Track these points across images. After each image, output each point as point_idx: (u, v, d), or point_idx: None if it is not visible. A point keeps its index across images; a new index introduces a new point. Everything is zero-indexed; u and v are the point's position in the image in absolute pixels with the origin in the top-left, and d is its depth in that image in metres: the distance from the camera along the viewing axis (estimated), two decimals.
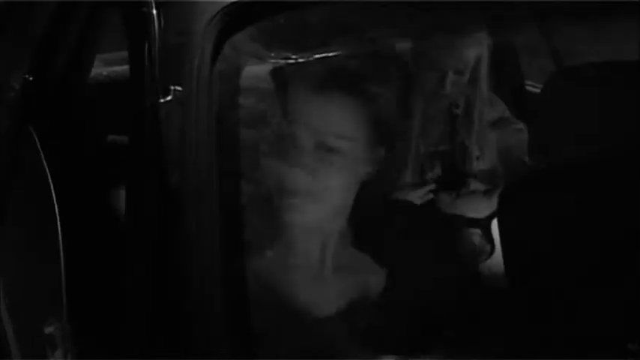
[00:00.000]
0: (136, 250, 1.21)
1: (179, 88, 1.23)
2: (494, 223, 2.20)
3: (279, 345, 1.32)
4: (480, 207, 2.26)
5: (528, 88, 2.89)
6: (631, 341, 1.47)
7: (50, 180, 1.58)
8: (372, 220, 1.55)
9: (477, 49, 2.29)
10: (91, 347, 1.49)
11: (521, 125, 2.44)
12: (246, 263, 1.20)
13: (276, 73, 1.30)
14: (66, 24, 1.77)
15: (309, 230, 1.42)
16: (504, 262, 1.67)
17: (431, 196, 2.29)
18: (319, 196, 1.40)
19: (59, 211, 1.50)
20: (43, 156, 1.66)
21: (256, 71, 1.31)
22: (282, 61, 1.30)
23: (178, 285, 1.15)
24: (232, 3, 1.29)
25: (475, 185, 2.32)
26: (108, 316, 1.23)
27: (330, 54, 1.30)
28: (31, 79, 1.83)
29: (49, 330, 1.60)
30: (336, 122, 1.38)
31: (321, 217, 1.43)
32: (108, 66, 2.51)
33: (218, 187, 1.17)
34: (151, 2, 1.31)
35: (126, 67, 1.40)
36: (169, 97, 1.22)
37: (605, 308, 1.57)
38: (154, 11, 1.30)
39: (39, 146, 1.70)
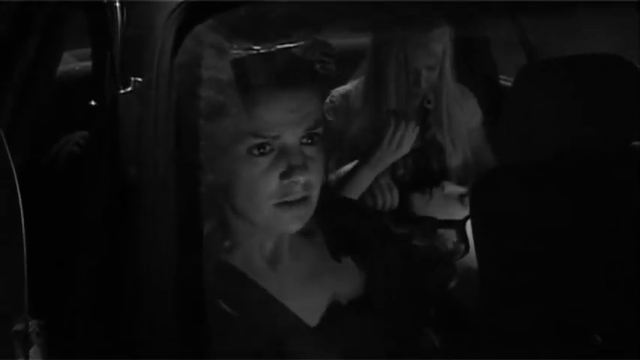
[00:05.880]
0: (92, 243, 1.20)
1: (139, 79, 1.23)
2: (469, 223, 2.20)
3: (235, 341, 1.32)
4: (454, 211, 2.27)
5: (502, 82, 2.89)
6: (597, 333, 1.48)
7: (16, 178, 1.56)
8: (344, 224, 1.54)
9: (442, 43, 2.30)
10: (56, 344, 1.48)
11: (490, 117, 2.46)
12: (204, 255, 1.20)
13: (237, 63, 1.29)
14: (30, 19, 1.76)
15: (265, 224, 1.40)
16: (478, 260, 1.68)
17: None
18: None
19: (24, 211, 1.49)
20: (9, 155, 1.64)
21: (216, 62, 1.30)
22: (243, 52, 1.29)
23: (134, 277, 1.14)
24: None
25: (450, 189, 2.33)
26: (65, 311, 1.22)
27: (292, 45, 1.30)
28: None
29: (18, 327, 1.58)
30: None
31: None
32: (81, 61, 2.49)
33: (176, 179, 1.17)
34: None
35: None
36: (129, 89, 1.22)
37: (572, 301, 1.57)
38: (117, 3, 1.30)
39: (5, 144, 1.68)
